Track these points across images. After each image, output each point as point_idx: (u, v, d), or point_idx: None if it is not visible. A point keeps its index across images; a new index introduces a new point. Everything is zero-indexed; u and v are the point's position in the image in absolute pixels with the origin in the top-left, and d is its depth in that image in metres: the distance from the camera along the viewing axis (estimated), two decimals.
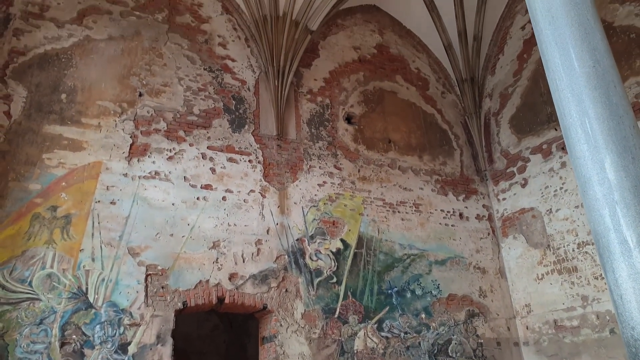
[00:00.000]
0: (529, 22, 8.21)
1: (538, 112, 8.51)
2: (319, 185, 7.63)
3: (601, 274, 7.14)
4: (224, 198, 6.77)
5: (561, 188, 7.92)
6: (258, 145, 7.41)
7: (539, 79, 8.51)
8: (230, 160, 7.08)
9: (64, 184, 5.90)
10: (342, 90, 8.66)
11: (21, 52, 6.33)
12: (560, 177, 7.96)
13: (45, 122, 6.10)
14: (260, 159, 7.33)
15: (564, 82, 3.08)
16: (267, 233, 6.88)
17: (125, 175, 6.28)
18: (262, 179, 7.20)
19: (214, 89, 7.43)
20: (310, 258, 7.02)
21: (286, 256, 6.87)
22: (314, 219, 7.33)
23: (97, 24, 6.96)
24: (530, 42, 8.83)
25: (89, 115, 6.38)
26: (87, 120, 6.34)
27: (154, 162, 6.53)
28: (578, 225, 7.59)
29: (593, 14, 3.15)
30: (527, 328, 8.04)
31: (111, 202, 6.05)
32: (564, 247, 7.74)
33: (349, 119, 8.50)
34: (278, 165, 7.44)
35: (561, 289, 7.66)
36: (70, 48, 6.65)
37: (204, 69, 7.48)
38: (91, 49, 6.78)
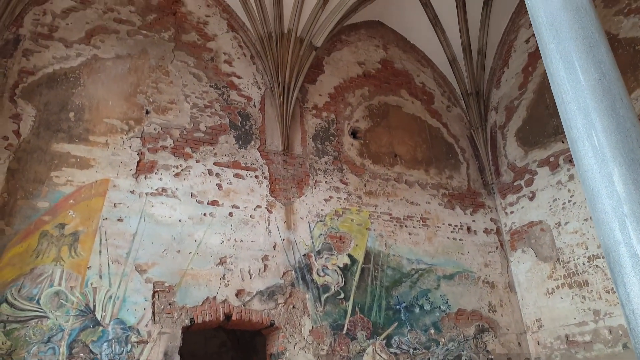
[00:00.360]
0: (534, 35, 8.23)
1: (544, 124, 8.48)
2: (325, 200, 7.62)
3: (612, 287, 7.04)
4: (230, 214, 6.77)
5: (569, 201, 7.86)
6: (264, 161, 7.43)
7: (545, 91, 8.50)
8: (236, 176, 7.09)
9: (71, 201, 5.93)
10: (347, 105, 8.70)
11: (30, 72, 6.42)
12: (569, 190, 7.91)
13: (53, 140, 6.16)
14: (267, 174, 7.34)
15: (569, 95, 3.07)
16: (274, 249, 6.86)
17: (133, 192, 6.30)
18: (269, 195, 7.20)
19: (220, 105, 7.48)
20: (318, 274, 6.98)
21: (293, 272, 6.84)
22: (321, 234, 7.31)
23: (105, 43, 7.07)
24: (535, 55, 8.84)
25: (96, 133, 6.44)
26: (94, 138, 6.40)
27: (160, 178, 6.55)
28: (588, 239, 7.51)
29: (597, 27, 3.16)
30: (538, 343, 7.91)
31: (118, 219, 6.07)
32: (574, 260, 7.65)
33: (354, 134, 8.52)
34: (284, 180, 7.45)
35: (572, 304, 7.55)
36: (78, 67, 6.75)
37: (210, 86, 7.54)
38: (99, 68, 6.87)
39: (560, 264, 7.85)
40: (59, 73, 6.58)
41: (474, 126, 9.66)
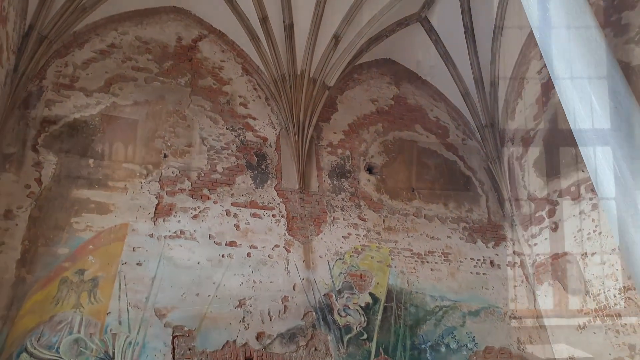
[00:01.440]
0: (545, 66, 8.24)
1: (563, 154, 8.36)
2: (344, 237, 7.54)
3: None
4: (248, 254, 6.73)
5: (594, 231, 7.63)
6: (281, 200, 7.43)
7: (561, 121, 8.43)
8: (254, 215, 7.09)
9: (91, 247, 5.97)
10: (362, 142, 8.73)
11: (52, 122, 6.60)
12: (593, 220, 7.70)
13: (73, 186, 6.26)
14: (284, 212, 7.33)
15: (586, 124, 3.04)
16: (293, 289, 6.76)
17: (151, 235, 6.33)
18: (286, 233, 7.17)
19: (236, 147, 7.58)
20: (339, 314, 6.84)
21: (314, 313, 6.71)
22: (341, 273, 7.19)
23: (123, 90, 7.27)
24: (548, 85, 8.80)
25: (115, 179, 6.54)
26: (113, 183, 6.49)
27: (179, 221, 6.58)
28: (617, 269, 7.24)
29: (609, 56, 3.15)
30: None
31: (137, 264, 6.07)
32: (604, 292, 7.37)
33: (370, 170, 8.51)
34: (301, 218, 7.42)
35: (606, 338, 7.22)
36: (98, 115, 6.93)
37: (227, 128, 7.67)
38: (117, 115, 7.04)
39: (589, 296, 7.56)
40: (79, 121, 6.76)
41: (491, 158, 9.58)
